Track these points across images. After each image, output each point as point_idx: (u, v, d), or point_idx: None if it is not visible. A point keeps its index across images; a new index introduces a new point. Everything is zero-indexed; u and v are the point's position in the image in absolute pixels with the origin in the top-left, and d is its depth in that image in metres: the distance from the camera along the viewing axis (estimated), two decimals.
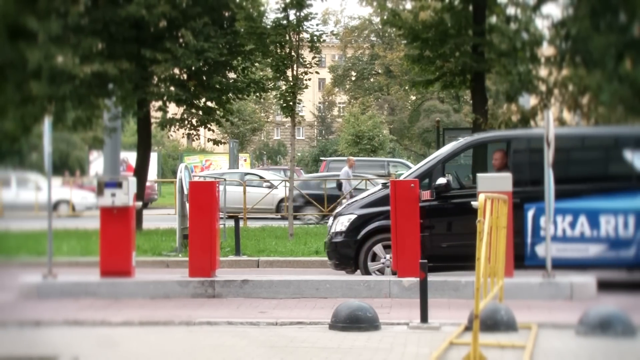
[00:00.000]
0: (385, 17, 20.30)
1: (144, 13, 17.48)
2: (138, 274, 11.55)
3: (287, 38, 17.35)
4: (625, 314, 7.85)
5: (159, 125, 19.77)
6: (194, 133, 21.01)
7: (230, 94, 20.16)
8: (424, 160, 13.15)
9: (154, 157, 30.02)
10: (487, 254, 7.11)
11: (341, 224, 12.10)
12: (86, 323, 8.87)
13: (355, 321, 8.23)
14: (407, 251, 10.97)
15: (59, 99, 16.68)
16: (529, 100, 17.43)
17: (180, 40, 18.67)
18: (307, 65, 17.50)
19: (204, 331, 8.46)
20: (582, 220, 11.20)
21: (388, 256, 11.82)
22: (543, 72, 16.49)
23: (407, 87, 54.41)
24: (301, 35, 17.54)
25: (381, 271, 11.82)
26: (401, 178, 12.27)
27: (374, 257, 11.93)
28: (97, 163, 26.49)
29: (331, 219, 12.81)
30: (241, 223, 18.63)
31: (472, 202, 10.04)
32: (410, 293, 10.47)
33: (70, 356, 7.10)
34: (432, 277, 9.51)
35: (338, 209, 13.27)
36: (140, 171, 19.19)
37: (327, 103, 76.80)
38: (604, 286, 10.69)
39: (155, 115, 20.42)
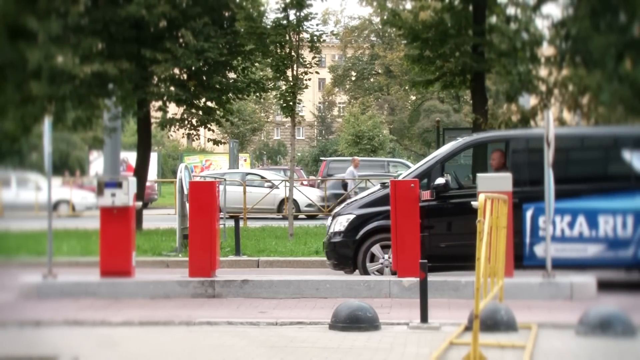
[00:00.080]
0: (385, 17, 20.31)
1: (144, 13, 17.48)
2: (138, 274, 11.55)
3: (287, 38, 17.35)
4: (625, 314, 7.86)
5: (159, 125, 19.77)
6: (194, 133, 21.01)
7: (230, 94, 20.17)
8: (422, 160, 13.15)
9: (154, 157, 30.03)
10: (487, 254, 7.10)
11: (340, 224, 12.10)
12: (86, 323, 8.87)
13: (355, 321, 8.23)
14: (407, 251, 10.96)
15: (59, 99, 16.68)
16: (529, 100, 17.43)
17: (180, 40, 18.67)
18: (307, 65, 17.50)
19: (204, 331, 8.46)
20: (581, 220, 11.21)
21: (386, 256, 11.82)
22: (543, 72, 16.49)
23: (407, 87, 54.43)
24: (301, 35, 17.54)
25: (380, 271, 11.82)
26: (400, 178, 12.27)
27: (373, 258, 11.93)
28: (97, 163, 26.49)
29: (330, 218, 12.82)
30: (241, 223, 18.63)
31: (472, 202, 10.05)
32: (410, 293, 10.48)
33: (70, 356, 7.10)
34: (432, 277, 9.51)
35: (337, 209, 13.28)
36: (140, 171, 19.19)
37: (327, 103, 76.79)
38: (604, 286, 10.69)
39: (155, 115, 20.42)
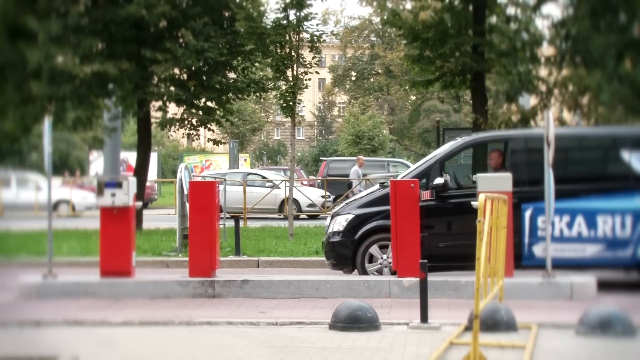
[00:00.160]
0: (385, 17, 20.31)
1: (144, 13, 17.48)
2: (138, 274, 11.55)
3: (287, 38, 17.35)
4: (625, 314, 7.86)
5: (159, 125, 19.77)
6: (194, 133, 21.01)
7: (230, 94, 20.17)
8: (421, 160, 13.16)
9: (154, 157, 30.04)
10: (487, 254, 7.10)
11: (339, 223, 12.10)
12: (86, 323, 8.87)
13: (355, 321, 8.23)
14: (407, 251, 10.96)
15: (59, 99, 16.68)
16: (529, 100, 17.44)
17: (180, 40, 18.67)
18: (307, 65, 17.50)
19: (204, 331, 8.46)
20: (580, 220, 11.21)
21: (385, 256, 11.83)
22: (543, 72, 16.49)
23: (407, 87, 54.36)
24: (301, 35, 17.53)
25: (379, 272, 11.82)
26: (399, 178, 12.28)
27: (372, 258, 11.93)
28: (97, 163, 26.47)
29: (329, 218, 12.81)
30: (241, 223, 18.62)
31: (472, 202, 10.05)
32: (410, 293, 10.48)
33: (70, 356, 7.10)
34: (432, 277, 9.51)
35: (336, 209, 13.28)
36: (140, 171, 19.19)
37: (327, 103, 76.79)
38: (604, 286, 10.69)
39: (155, 115, 20.42)
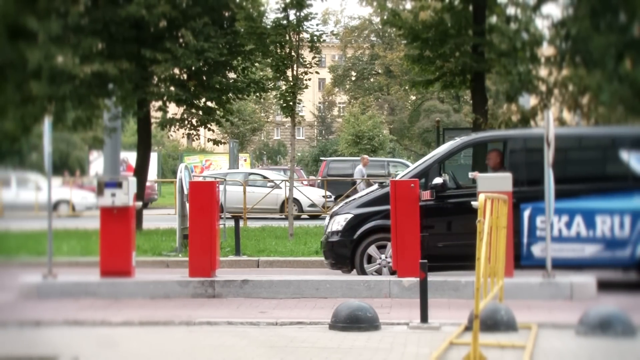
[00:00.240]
0: (385, 17, 20.30)
1: (144, 13, 17.48)
2: (138, 274, 11.55)
3: (287, 38, 17.35)
4: (625, 314, 7.86)
5: (159, 125, 19.78)
6: (194, 133, 21.01)
7: (230, 94, 20.17)
8: (420, 160, 13.16)
9: (154, 157, 30.04)
10: (487, 254, 7.10)
11: (337, 223, 12.10)
12: (86, 323, 8.87)
13: (355, 321, 8.23)
14: (407, 251, 10.96)
15: (59, 99, 16.68)
16: (529, 100, 17.43)
17: (180, 40, 18.67)
18: (307, 65, 17.51)
19: (204, 331, 8.46)
20: (578, 220, 11.22)
21: (383, 256, 11.83)
22: (543, 72, 16.48)
23: (407, 87, 54.35)
24: (301, 35, 17.54)
25: (378, 272, 11.82)
26: (397, 178, 12.28)
27: (370, 257, 11.93)
28: (97, 163, 26.48)
29: (327, 218, 12.81)
30: (241, 223, 18.62)
31: (472, 202, 10.05)
32: (410, 293, 10.48)
33: (70, 356, 7.10)
34: (432, 277, 9.51)
35: (335, 208, 13.28)
36: (140, 171, 19.19)
37: (327, 103, 76.78)
38: (604, 286, 10.69)
39: (155, 115, 20.42)
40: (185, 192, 14.17)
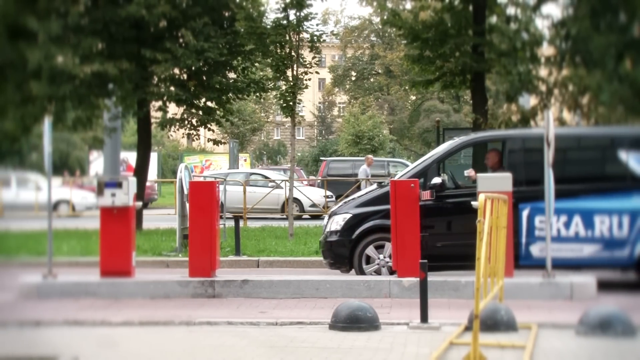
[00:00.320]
0: (385, 17, 20.29)
1: (144, 13, 17.48)
2: (138, 274, 11.55)
3: (287, 38, 17.35)
4: (625, 314, 7.86)
5: (159, 125, 19.78)
6: (194, 133, 21.01)
7: (230, 94, 20.17)
8: (418, 160, 13.17)
9: (154, 157, 30.04)
10: (487, 254, 7.10)
11: (336, 223, 12.10)
12: (86, 323, 8.87)
13: (355, 321, 8.23)
14: (407, 251, 10.96)
15: (59, 99, 16.68)
16: (529, 100, 17.44)
17: (180, 40, 18.67)
18: (307, 65, 17.51)
19: (204, 331, 8.46)
20: (577, 220, 11.22)
21: (382, 256, 11.83)
22: (543, 72, 16.49)
23: (407, 87, 54.37)
24: (301, 35, 17.53)
25: (377, 272, 11.82)
26: (396, 178, 12.28)
27: (369, 258, 11.93)
28: (97, 163, 26.49)
29: (326, 217, 12.81)
30: (241, 223, 18.62)
31: (472, 202, 10.05)
32: (410, 293, 10.48)
33: (70, 356, 7.10)
34: (432, 277, 9.51)
35: (333, 208, 13.28)
36: (140, 171, 19.20)
37: (327, 103, 76.79)
38: (604, 286, 10.69)
39: (155, 115, 20.42)
40: (185, 192, 14.17)
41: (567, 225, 11.23)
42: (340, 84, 68.50)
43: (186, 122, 19.74)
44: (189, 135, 21.19)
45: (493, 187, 9.81)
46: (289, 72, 17.53)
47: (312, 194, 26.95)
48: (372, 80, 66.81)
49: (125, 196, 11.13)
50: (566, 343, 7.61)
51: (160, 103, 19.62)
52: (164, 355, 7.53)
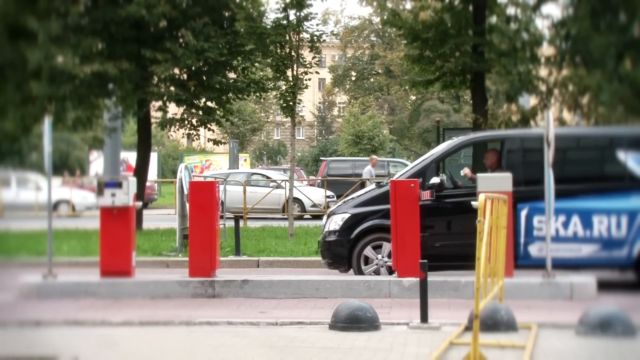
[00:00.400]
0: (385, 17, 20.31)
1: (144, 13, 17.48)
2: (138, 274, 11.55)
3: (287, 38, 17.35)
4: (625, 314, 7.86)
5: (159, 125, 19.78)
6: (194, 133, 21.01)
7: (230, 94, 20.17)
8: (417, 160, 13.17)
9: (154, 157, 30.04)
10: (487, 254, 7.10)
11: (335, 222, 12.10)
12: (86, 323, 8.87)
13: (355, 321, 8.23)
14: (407, 251, 10.96)
15: (59, 99, 16.68)
16: (529, 100, 17.44)
17: (180, 40, 18.68)
18: (307, 65, 17.51)
19: (204, 331, 8.46)
20: (575, 220, 11.22)
21: (380, 256, 11.83)
22: (543, 72, 16.49)
23: (407, 87, 54.40)
24: (301, 35, 17.54)
25: (376, 272, 11.81)
26: (394, 178, 12.28)
27: (367, 259, 11.93)
28: (97, 163, 26.49)
29: (325, 217, 12.81)
30: (241, 223, 18.63)
31: (472, 202, 10.05)
32: (410, 293, 10.48)
33: (70, 356, 7.10)
34: (432, 277, 9.51)
35: (332, 208, 13.28)
36: (140, 171, 19.20)
37: (327, 103, 76.80)
38: (604, 286, 10.69)
39: (155, 115, 20.43)
40: (185, 192, 14.17)
41: (566, 225, 11.23)
42: (340, 84, 68.51)
43: (186, 122, 19.74)
44: (189, 135, 21.19)
45: (493, 187, 9.81)
46: (289, 72, 17.53)
47: (313, 194, 26.95)
48: (372, 80, 66.83)
49: (125, 196, 11.13)
50: (566, 343, 7.61)
51: (160, 103, 19.62)
52: (164, 355, 7.53)
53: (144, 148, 19.68)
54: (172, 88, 18.75)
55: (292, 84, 17.44)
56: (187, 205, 12.62)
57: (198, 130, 20.72)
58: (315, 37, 17.58)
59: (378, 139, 54.35)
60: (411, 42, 18.67)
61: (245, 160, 48.13)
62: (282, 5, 17.40)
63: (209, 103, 19.99)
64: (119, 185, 11.18)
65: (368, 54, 66.31)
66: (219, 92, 19.61)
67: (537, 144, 11.26)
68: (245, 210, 23.25)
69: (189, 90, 18.99)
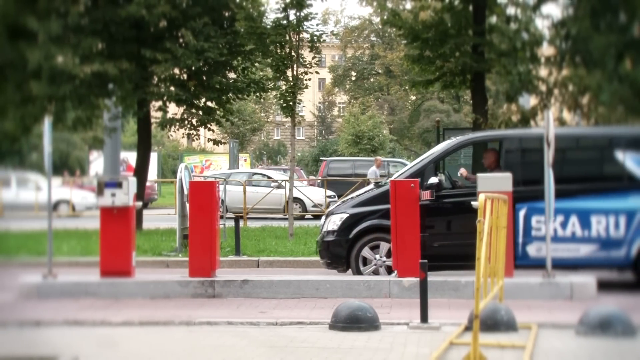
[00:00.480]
0: (385, 17, 20.31)
1: (144, 13, 17.48)
2: (138, 274, 11.55)
3: (287, 38, 17.36)
4: (625, 314, 7.86)
5: (159, 125, 19.78)
6: (194, 133, 21.02)
7: (230, 94, 20.18)
8: (415, 160, 13.17)
9: (154, 157, 30.04)
10: (487, 254, 7.10)
11: (333, 223, 12.10)
12: (86, 323, 8.87)
13: (355, 321, 8.23)
14: (407, 251, 10.97)
15: (59, 99, 16.68)
16: (529, 100, 17.44)
17: (180, 40, 18.68)
18: (307, 65, 17.51)
19: (204, 331, 8.46)
20: (574, 220, 11.22)
21: (377, 256, 11.83)
22: (543, 72, 16.49)
23: (407, 87, 54.41)
24: (301, 35, 17.54)
25: (375, 272, 11.81)
26: (392, 178, 12.28)
27: (366, 260, 11.92)
28: (97, 163, 26.50)
29: (323, 217, 12.81)
30: (241, 223, 18.63)
31: (472, 202, 10.05)
32: (410, 293, 10.48)
33: (70, 356, 7.10)
34: (432, 277, 9.51)
35: (330, 208, 13.29)
36: (140, 171, 19.20)
37: (327, 103, 76.80)
38: (604, 286, 10.69)
39: (155, 115, 20.43)
40: (185, 192, 14.17)
41: (564, 225, 11.24)
42: (340, 84, 68.51)
43: (186, 122, 19.74)
44: (189, 135, 21.20)
45: (493, 187, 9.81)
46: (289, 72, 17.53)
47: (314, 194, 26.95)
48: (372, 80, 66.83)
49: (125, 196, 11.14)
50: (566, 343, 7.61)
51: (160, 103, 19.62)
52: (164, 355, 7.53)
53: (144, 148, 19.69)
54: (172, 88, 18.75)
55: (292, 84, 17.45)
56: (187, 205, 12.62)
57: (198, 130, 20.72)
58: (315, 37, 17.59)
59: (378, 139, 54.34)
60: (411, 42, 18.67)
61: (245, 160, 48.14)
62: (282, 5, 17.41)
63: (209, 103, 19.99)
64: (119, 185, 11.18)
65: (368, 54, 66.32)
66: (219, 92, 19.61)
67: (535, 144, 11.27)
68: (245, 210, 23.24)
69: (189, 90, 18.99)
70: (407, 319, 8.73)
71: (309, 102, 60.73)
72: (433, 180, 11.65)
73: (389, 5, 27.36)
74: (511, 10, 17.37)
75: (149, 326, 8.73)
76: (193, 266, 11.22)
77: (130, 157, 25.66)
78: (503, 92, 17.22)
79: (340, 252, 11.98)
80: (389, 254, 11.70)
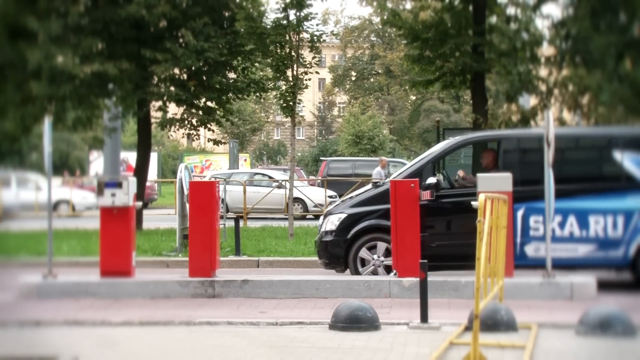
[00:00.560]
0: (385, 17, 20.31)
1: (144, 13, 17.48)
2: (138, 274, 11.55)
3: (287, 38, 17.36)
4: (625, 314, 7.86)
5: (159, 125, 19.78)
6: (194, 133, 21.02)
7: (230, 94, 20.18)
8: (414, 159, 13.16)
9: (154, 157, 30.04)
10: (487, 254, 7.10)
11: (331, 223, 12.10)
12: (86, 323, 8.87)
13: (355, 321, 8.23)
14: (407, 251, 10.97)
15: (59, 99, 16.68)
16: (529, 100, 17.44)
17: (180, 40, 18.68)
18: (307, 65, 17.51)
19: (204, 331, 8.46)
20: (572, 220, 11.22)
21: (375, 256, 11.83)
22: (543, 72, 16.50)
23: (407, 87, 54.39)
24: (301, 35, 17.55)
25: (374, 273, 11.81)
26: (391, 178, 12.28)
27: (364, 261, 11.92)
28: (97, 163, 26.50)
29: (322, 217, 12.81)
30: (241, 223, 18.64)
31: (472, 202, 10.05)
32: (410, 293, 10.48)
33: (70, 356, 7.10)
34: (432, 277, 9.51)
35: (329, 208, 13.29)
36: (140, 171, 19.20)
37: (327, 103, 76.80)
38: (604, 286, 10.69)
39: (155, 115, 20.43)
40: (185, 192, 14.17)
41: (562, 225, 11.24)
42: (340, 84, 68.51)
43: (186, 122, 19.74)
44: (189, 135, 21.20)
45: (493, 187, 9.80)
46: (289, 72, 17.54)
47: (314, 194, 26.94)
48: (372, 80, 66.83)
49: (125, 196, 11.13)
50: (566, 343, 7.61)
51: (160, 103, 19.62)
52: (164, 355, 7.53)
53: (144, 148, 19.69)
54: (172, 88, 18.76)
55: (292, 84, 17.45)
56: (187, 205, 12.62)
57: (198, 130, 20.72)
58: (315, 37, 17.59)
59: (378, 139, 54.33)
60: (411, 42, 18.68)
61: (245, 160, 48.14)
62: (282, 5, 17.41)
63: (209, 103, 19.99)
64: (119, 185, 11.18)
65: (368, 54, 66.31)
66: (219, 92, 19.61)
67: (533, 144, 11.27)
68: (245, 210, 23.24)
69: (189, 90, 18.99)
70: (407, 319, 8.73)
71: (309, 102, 60.74)
72: (431, 180, 11.65)
73: (389, 5, 27.38)
74: (511, 10, 17.39)
75: (149, 326, 8.73)
76: (193, 266, 11.22)
77: (130, 157, 25.66)
78: (503, 92, 17.23)
79: (338, 252, 11.98)
80: (386, 254, 11.70)
